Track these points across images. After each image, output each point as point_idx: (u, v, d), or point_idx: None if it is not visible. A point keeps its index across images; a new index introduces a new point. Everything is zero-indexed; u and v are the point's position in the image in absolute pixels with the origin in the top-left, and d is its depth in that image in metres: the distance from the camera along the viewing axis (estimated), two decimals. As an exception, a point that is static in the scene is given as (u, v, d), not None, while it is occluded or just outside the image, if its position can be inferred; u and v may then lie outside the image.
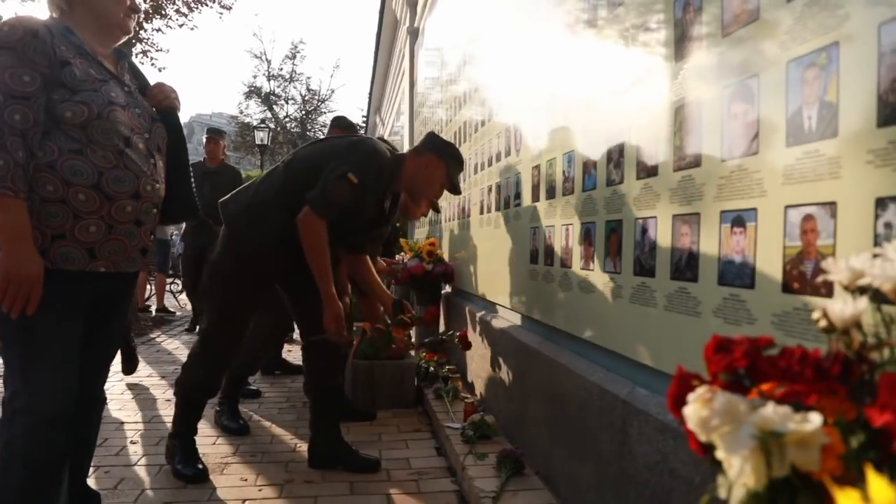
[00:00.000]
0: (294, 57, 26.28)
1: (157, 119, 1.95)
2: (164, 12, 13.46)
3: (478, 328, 3.59)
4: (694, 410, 0.61)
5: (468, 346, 2.82)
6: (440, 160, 2.72)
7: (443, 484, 2.59)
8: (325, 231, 2.48)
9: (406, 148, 7.90)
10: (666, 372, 1.61)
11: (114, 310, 1.95)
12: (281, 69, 26.96)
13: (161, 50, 14.16)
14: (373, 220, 2.75)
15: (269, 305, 3.15)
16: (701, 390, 0.61)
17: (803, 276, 1.15)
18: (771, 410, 0.57)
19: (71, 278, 1.72)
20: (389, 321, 3.02)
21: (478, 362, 3.57)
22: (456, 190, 2.82)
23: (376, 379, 3.73)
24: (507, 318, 3.18)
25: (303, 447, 3.03)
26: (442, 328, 4.62)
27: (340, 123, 4.30)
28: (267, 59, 29.51)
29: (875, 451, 0.59)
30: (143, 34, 13.27)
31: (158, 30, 13.69)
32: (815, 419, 0.56)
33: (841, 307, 0.63)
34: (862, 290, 0.67)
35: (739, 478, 0.57)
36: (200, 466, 2.62)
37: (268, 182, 2.67)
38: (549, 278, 2.47)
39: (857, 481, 0.53)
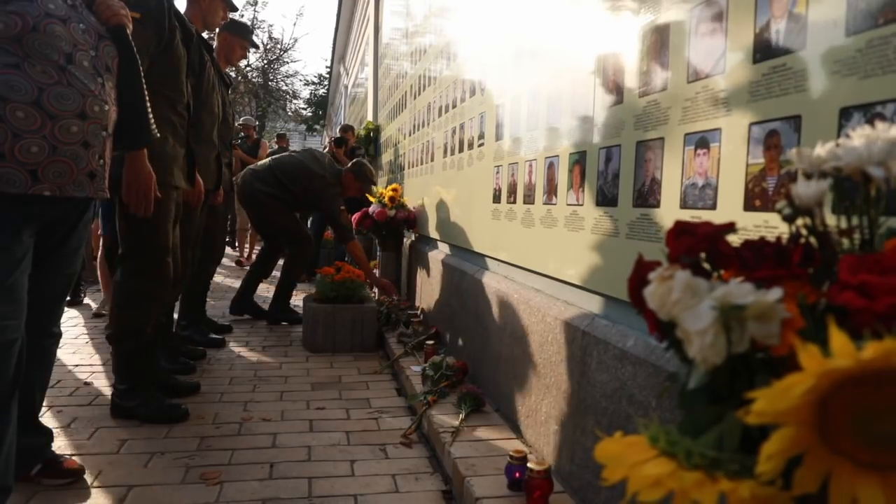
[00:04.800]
0: (255, 3, 25.33)
1: (106, 37, 1.84)
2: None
3: (440, 272, 3.57)
4: (654, 289, 0.59)
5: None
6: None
7: (403, 422, 2.60)
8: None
9: (370, 98, 7.77)
10: (626, 301, 1.61)
11: (66, 239, 1.87)
12: (241, 16, 26.06)
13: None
14: None
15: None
16: (661, 269, 0.59)
17: (765, 193, 1.14)
18: (732, 285, 0.56)
19: (13, 201, 1.64)
20: None
21: (440, 306, 3.57)
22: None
23: (337, 322, 3.71)
24: (469, 261, 3.17)
25: (262, 388, 3.01)
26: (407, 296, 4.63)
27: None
28: (227, 6, 28.35)
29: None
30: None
31: None
32: (775, 292, 0.55)
33: (805, 186, 0.61)
34: (824, 175, 0.65)
35: (699, 353, 0.56)
36: (174, 402, 2.62)
37: None
38: (512, 216, 2.45)
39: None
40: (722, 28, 1.26)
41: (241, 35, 3.82)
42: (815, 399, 0.46)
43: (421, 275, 4.18)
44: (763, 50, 1.15)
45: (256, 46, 3.98)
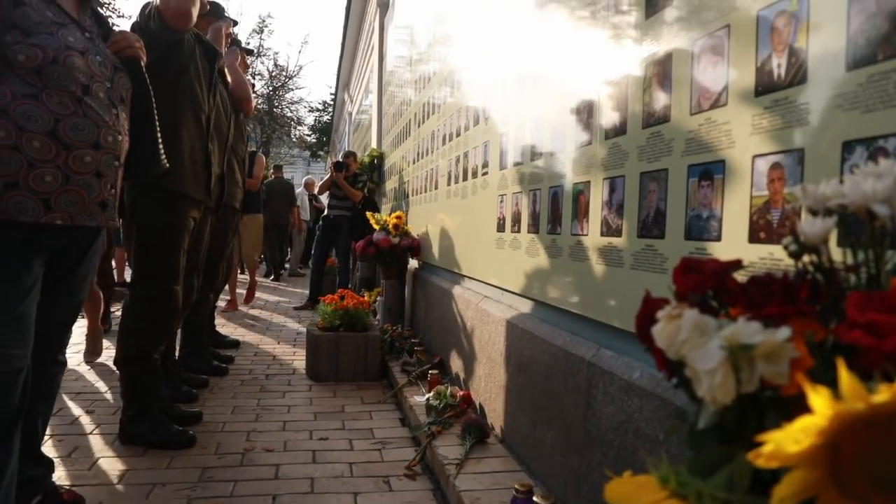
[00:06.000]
0: (261, 31, 25.67)
1: (121, 69, 1.87)
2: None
3: (444, 301, 3.57)
4: (662, 328, 0.59)
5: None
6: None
7: (406, 453, 2.58)
8: None
9: (375, 125, 7.82)
10: (632, 332, 1.61)
11: (75, 267, 1.87)
12: (248, 43, 26.40)
13: (123, 16, 13.87)
14: None
15: None
16: (669, 307, 0.59)
17: (769, 226, 1.14)
18: (741, 324, 0.55)
19: (25, 230, 1.65)
20: None
21: (443, 335, 3.56)
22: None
23: (341, 351, 3.70)
24: (473, 289, 3.16)
25: (265, 418, 2.99)
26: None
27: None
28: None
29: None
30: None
31: None
32: (783, 331, 0.54)
33: (811, 224, 0.62)
34: (829, 213, 0.66)
35: (708, 393, 0.55)
36: (181, 428, 2.63)
37: None
38: (516, 246, 2.45)
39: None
40: (724, 61, 1.28)
41: (215, 15, 3.43)
42: (826, 442, 0.45)
43: (425, 302, 4.18)
44: (765, 83, 1.16)
45: (236, 22, 3.72)
